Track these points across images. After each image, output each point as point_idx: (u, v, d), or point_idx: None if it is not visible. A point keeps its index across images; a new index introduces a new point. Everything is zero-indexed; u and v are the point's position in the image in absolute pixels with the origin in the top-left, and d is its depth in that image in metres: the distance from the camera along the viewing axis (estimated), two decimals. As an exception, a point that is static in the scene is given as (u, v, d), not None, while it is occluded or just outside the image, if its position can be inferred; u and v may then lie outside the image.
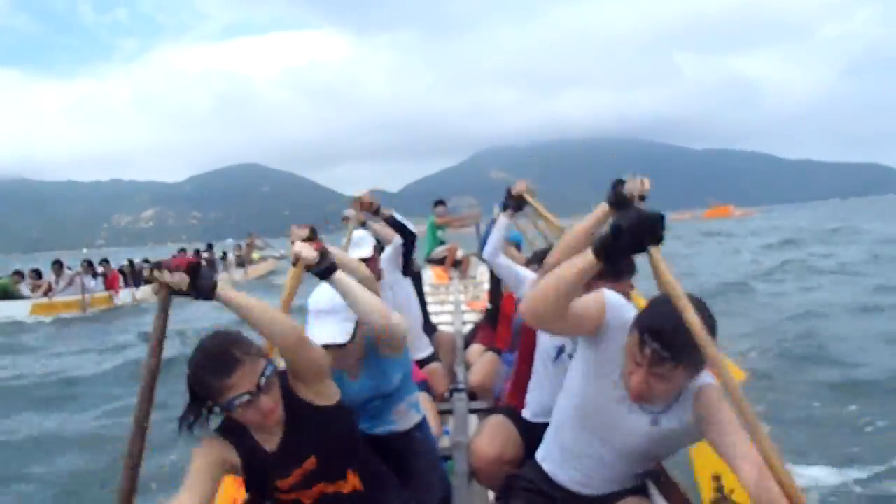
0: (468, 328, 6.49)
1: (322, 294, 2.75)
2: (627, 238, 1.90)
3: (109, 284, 20.28)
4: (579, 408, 2.44)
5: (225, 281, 18.47)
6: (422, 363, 4.61)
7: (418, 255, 5.71)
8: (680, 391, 2.23)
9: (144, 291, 20.63)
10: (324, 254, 2.54)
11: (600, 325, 2.30)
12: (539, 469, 2.63)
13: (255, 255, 29.68)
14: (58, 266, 19.20)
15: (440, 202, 11.02)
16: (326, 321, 2.70)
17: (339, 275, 2.58)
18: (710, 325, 1.96)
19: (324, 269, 2.55)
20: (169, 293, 2.06)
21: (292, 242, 2.67)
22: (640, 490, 2.59)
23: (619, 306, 2.33)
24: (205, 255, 24.81)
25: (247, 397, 2.09)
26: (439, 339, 5.35)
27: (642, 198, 2.62)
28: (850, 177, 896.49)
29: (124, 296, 20.51)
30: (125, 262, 22.22)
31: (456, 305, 8.33)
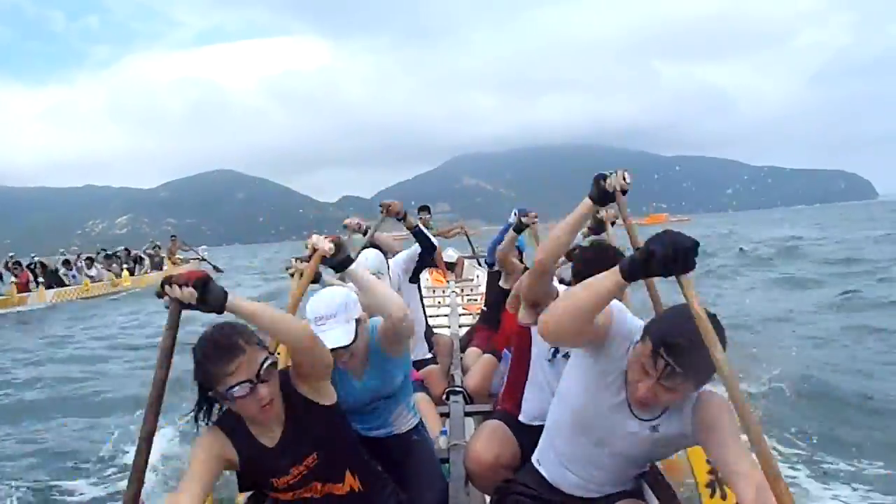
0: (464, 331, 6.61)
1: (319, 300, 2.79)
2: (659, 263, 1.87)
3: (20, 285, 20.77)
4: (577, 414, 2.43)
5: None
6: (418, 364, 4.70)
7: None
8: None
9: (59, 293, 21.70)
10: (339, 245, 2.62)
11: (605, 336, 2.29)
12: (535, 472, 2.64)
13: (178, 256, 30.32)
14: None
15: (424, 208, 10.85)
16: (328, 326, 2.71)
17: (355, 267, 2.65)
18: (722, 340, 1.95)
19: (339, 261, 2.65)
20: (179, 307, 2.06)
21: (309, 248, 2.74)
22: (636, 492, 2.61)
23: (623, 316, 2.33)
24: (115, 263, 25.58)
25: (247, 385, 2.15)
26: (436, 342, 5.43)
27: (624, 192, 2.64)
28: (817, 184, 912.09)
29: (34, 297, 20.91)
30: (35, 263, 22.53)
31: (452, 308, 8.40)
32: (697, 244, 1.88)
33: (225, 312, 2.08)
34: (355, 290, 2.92)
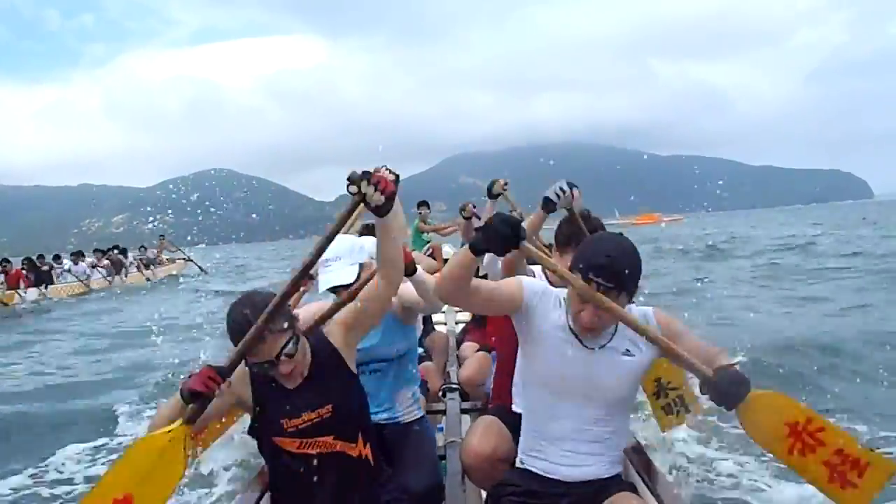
0: (461, 328, 6.63)
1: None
2: (488, 242, 2.20)
3: (11, 282, 20.82)
4: (551, 383, 2.50)
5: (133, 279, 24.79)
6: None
7: None
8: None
9: (52, 290, 22.01)
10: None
11: (520, 307, 2.47)
12: (523, 471, 2.65)
13: (165, 256, 30.42)
14: None
15: (423, 203, 10.90)
16: (332, 267, 2.90)
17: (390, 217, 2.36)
18: (637, 267, 2.33)
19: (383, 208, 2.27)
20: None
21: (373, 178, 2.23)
22: (628, 486, 2.65)
23: (536, 286, 2.54)
24: (106, 260, 25.88)
25: (265, 365, 2.31)
26: (432, 339, 5.44)
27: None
28: (812, 183, 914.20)
29: (29, 294, 21.12)
30: (23, 262, 22.43)
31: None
32: (517, 224, 2.18)
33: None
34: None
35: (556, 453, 2.56)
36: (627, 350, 2.48)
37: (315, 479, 2.47)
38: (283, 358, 2.31)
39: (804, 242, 28.66)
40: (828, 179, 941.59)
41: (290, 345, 2.32)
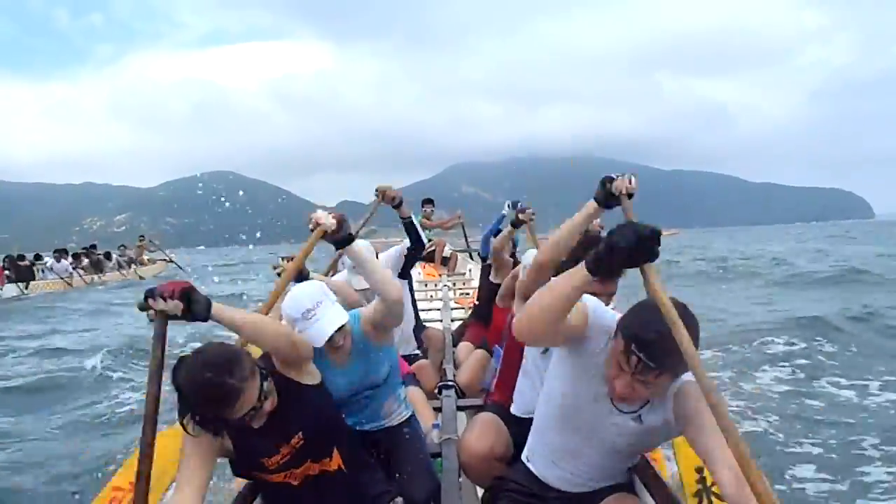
0: (456, 325, 6.57)
1: (297, 297, 2.74)
2: (623, 256, 1.88)
3: None
4: (563, 408, 2.44)
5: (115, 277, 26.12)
6: (409, 360, 4.70)
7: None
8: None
9: (32, 286, 22.60)
10: (341, 222, 2.61)
11: (583, 332, 2.29)
12: (526, 469, 2.63)
13: (146, 256, 30.84)
14: None
15: (428, 201, 11.04)
16: (318, 313, 2.69)
17: (357, 245, 2.64)
18: (695, 333, 1.99)
19: (342, 238, 2.62)
20: (165, 319, 2.06)
21: (312, 223, 2.66)
22: (627, 487, 2.63)
23: (601, 313, 2.33)
24: (86, 259, 26.61)
25: (252, 413, 2.16)
26: (428, 336, 5.43)
27: (630, 195, 2.58)
28: (813, 201, 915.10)
29: (9, 290, 21.75)
30: (4, 259, 23.10)
31: (444, 302, 8.35)
32: (659, 232, 1.88)
33: (209, 322, 2.09)
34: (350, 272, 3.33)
35: (557, 469, 2.55)
36: (639, 416, 2.36)
37: (300, 498, 2.49)
38: (264, 398, 2.22)
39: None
40: (829, 198, 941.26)
41: (266, 384, 2.23)
